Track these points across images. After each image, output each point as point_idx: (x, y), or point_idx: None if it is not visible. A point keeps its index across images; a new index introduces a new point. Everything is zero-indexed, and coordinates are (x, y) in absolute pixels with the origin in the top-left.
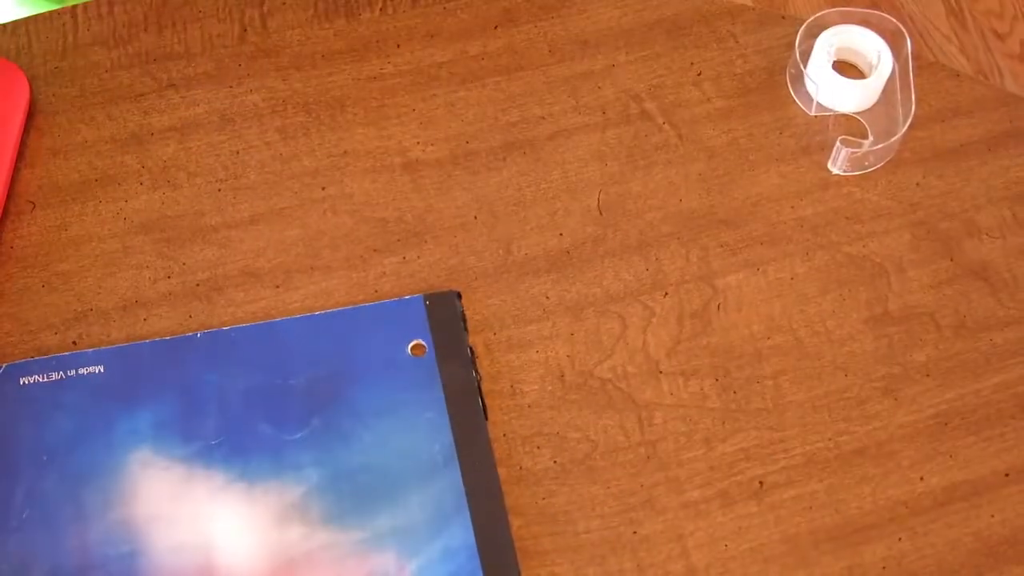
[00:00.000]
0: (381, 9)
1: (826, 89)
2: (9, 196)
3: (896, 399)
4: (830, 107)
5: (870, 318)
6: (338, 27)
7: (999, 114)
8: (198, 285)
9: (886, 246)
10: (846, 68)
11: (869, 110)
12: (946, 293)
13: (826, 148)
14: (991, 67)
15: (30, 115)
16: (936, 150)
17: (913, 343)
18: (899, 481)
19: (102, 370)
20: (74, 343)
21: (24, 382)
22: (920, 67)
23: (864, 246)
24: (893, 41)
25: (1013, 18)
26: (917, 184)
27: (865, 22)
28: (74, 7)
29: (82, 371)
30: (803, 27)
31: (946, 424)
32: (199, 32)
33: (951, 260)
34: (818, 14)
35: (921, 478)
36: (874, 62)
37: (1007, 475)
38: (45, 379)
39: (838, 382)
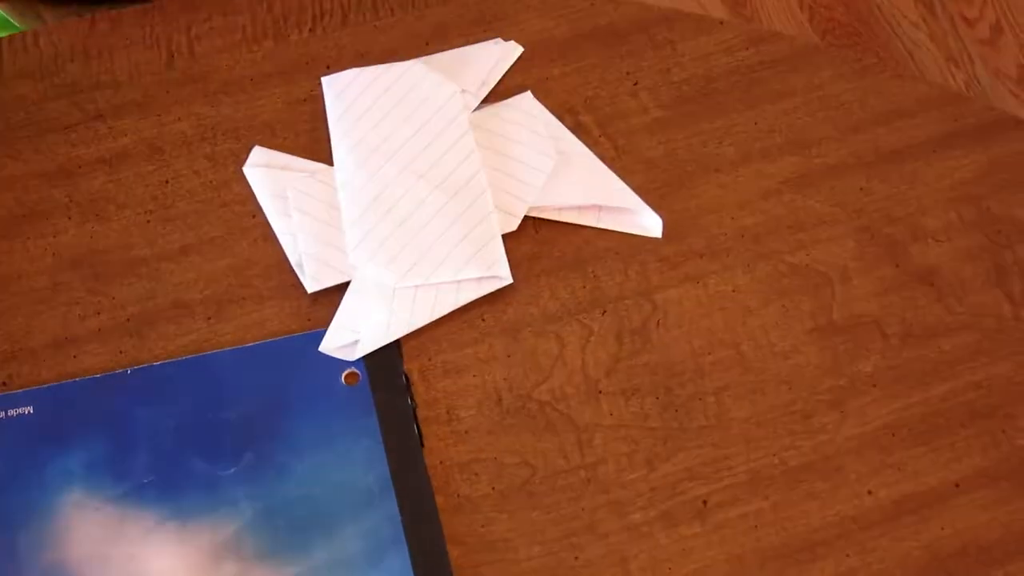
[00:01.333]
0: (310, 30)
1: None
2: None
3: (842, 411)
4: None
5: (814, 329)
6: (267, 49)
7: (943, 113)
8: (128, 320)
9: (830, 254)
10: None
11: None
12: (892, 300)
13: (768, 156)
14: (961, 53)
15: None
16: (879, 153)
17: (859, 353)
18: (847, 496)
19: (31, 411)
20: (4, 384)
21: None
22: (862, 68)
23: (807, 255)
24: None
25: (982, 3)
26: (861, 189)
27: None
28: None
29: (11, 412)
30: None
31: (894, 435)
32: (126, 60)
33: (896, 266)
34: None
35: (869, 492)
36: None
37: (957, 485)
38: None
39: (782, 396)
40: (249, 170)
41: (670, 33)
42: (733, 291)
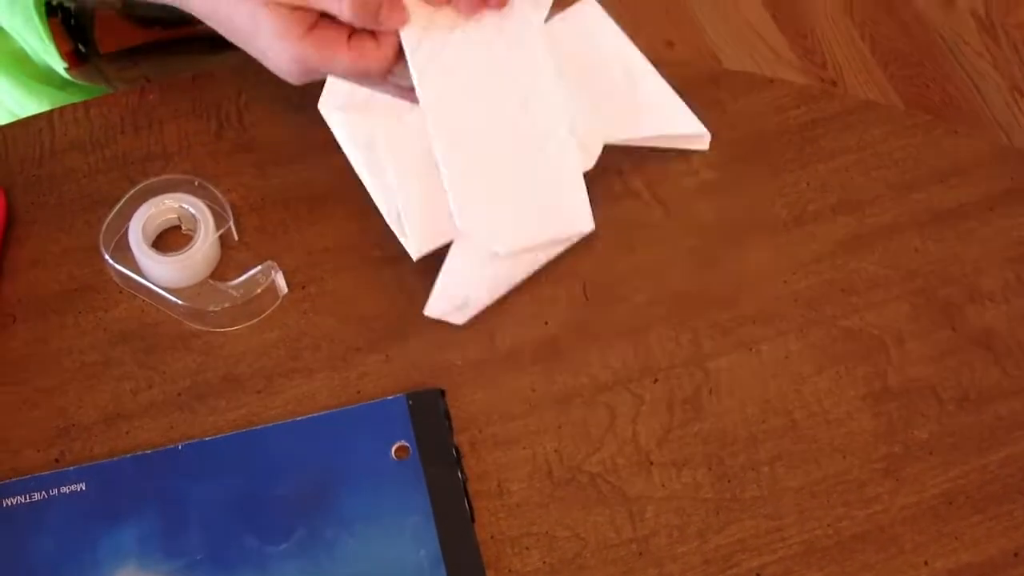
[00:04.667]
0: None
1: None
2: None
3: (898, 479)
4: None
5: (868, 395)
6: (314, 116)
7: (998, 171)
8: (179, 394)
9: (884, 317)
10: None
11: None
12: (948, 364)
13: (821, 217)
14: None
15: (9, 226)
16: (934, 212)
17: (914, 419)
18: (902, 566)
19: (84, 488)
20: (56, 460)
21: (7, 504)
22: (915, 125)
23: (861, 319)
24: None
25: None
26: (916, 249)
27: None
28: (50, 113)
29: (64, 490)
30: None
31: (951, 503)
32: (176, 130)
33: (952, 329)
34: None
35: (926, 562)
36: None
37: (1016, 555)
38: (27, 500)
39: (836, 465)
40: (328, 113)
41: (719, 92)
42: (786, 357)
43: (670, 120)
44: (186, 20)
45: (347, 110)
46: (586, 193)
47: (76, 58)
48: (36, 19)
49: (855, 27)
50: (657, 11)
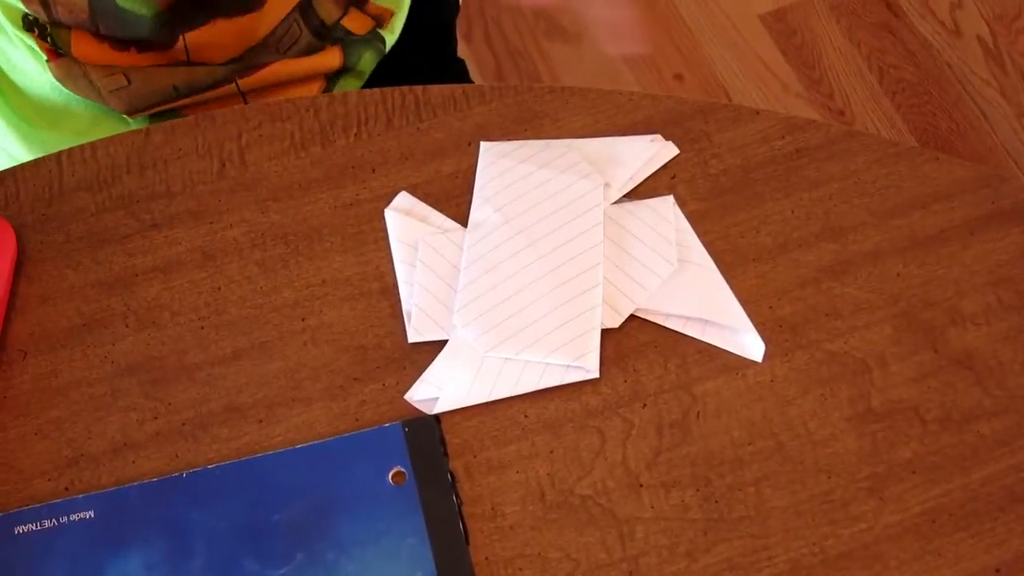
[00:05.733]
0: (356, 134)
1: None
2: (1, 346)
3: (882, 499)
4: None
5: (853, 416)
6: (314, 155)
7: (980, 196)
8: (183, 424)
9: (867, 341)
10: None
11: None
12: (931, 385)
13: (805, 244)
14: None
15: (19, 264)
16: (916, 238)
17: (898, 439)
18: None
19: (92, 515)
20: (66, 489)
21: (18, 531)
22: (897, 154)
23: (845, 342)
24: None
25: None
26: (898, 274)
27: None
28: (59, 153)
29: (73, 517)
30: None
31: (934, 521)
32: (180, 170)
33: (935, 351)
34: None
35: None
36: None
37: (998, 570)
38: (38, 527)
39: (821, 485)
40: (390, 213)
41: (706, 125)
42: (771, 381)
43: (717, 310)
44: (158, 43)
45: (406, 215)
46: (599, 339)
47: (56, 53)
48: (10, 26)
49: (862, 58)
50: (667, 44)
